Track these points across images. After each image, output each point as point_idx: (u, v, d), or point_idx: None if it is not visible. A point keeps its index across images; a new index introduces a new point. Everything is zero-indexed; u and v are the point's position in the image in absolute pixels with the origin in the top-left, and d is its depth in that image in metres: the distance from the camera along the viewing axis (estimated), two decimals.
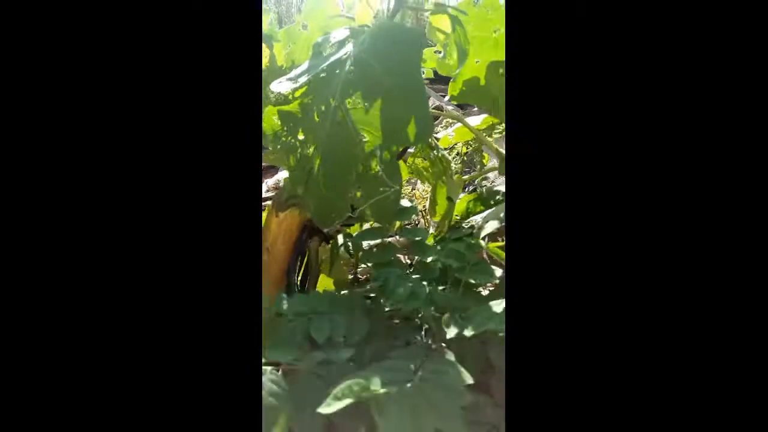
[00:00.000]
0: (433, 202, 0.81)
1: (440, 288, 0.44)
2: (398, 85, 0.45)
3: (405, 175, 0.92)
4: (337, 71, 0.47)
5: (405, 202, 0.49)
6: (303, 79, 0.49)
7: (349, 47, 0.48)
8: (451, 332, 0.35)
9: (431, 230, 0.95)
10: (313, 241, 0.61)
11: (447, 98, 0.78)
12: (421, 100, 0.46)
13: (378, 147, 0.45)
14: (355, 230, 0.62)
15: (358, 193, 0.46)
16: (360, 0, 0.57)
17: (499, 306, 0.37)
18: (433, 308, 0.38)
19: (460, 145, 1.09)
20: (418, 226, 1.18)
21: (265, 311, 0.39)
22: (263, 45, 0.67)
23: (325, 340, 0.37)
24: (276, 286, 0.58)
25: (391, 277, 0.38)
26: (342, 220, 0.46)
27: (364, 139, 0.45)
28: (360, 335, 0.37)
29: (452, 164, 0.70)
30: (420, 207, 1.18)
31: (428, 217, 0.95)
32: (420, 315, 0.40)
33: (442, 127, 1.16)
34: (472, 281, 0.41)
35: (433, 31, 0.61)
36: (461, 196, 0.79)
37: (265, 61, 0.67)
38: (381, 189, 0.45)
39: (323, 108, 0.47)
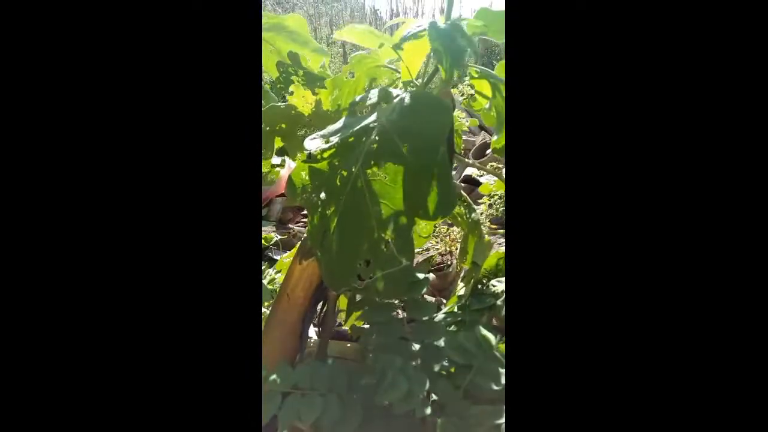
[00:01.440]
0: (464, 250, 0.78)
1: (445, 372, 0.42)
2: (421, 160, 0.44)
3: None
4: (364, 138, 0.47)
5: (419, 274, 0.48)
6: (334, 140, 0.50)
7: (379, 113, 0.48)
8: None
9: (460, 279, 0.92)
10: (332, 290, 0.61)
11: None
12: (445, 177, 0.44)
13: (392, 218, 0.44)
14: None
15: (367, 264, 0.45)
16: (400, 59, 0.57)
17: (498, 417, 0.34)
18: (430, 408, 0.36)
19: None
20: (450, 267, 1.14)
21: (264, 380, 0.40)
22: (308, 90, 0.69)
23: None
24: (292, 332, 0.59)
25: (389, 370, 0.37)
26: (347, 288, 0.45)
27: (380, 212, 0.44)
28: (352, 427, 0.36)
29: (482, 225, 0.67)
30: (453, 248, 1.15)
31: (459, 262, 0.92)
32: None
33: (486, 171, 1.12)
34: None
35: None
36: (494, 251, 0.76)
37: (310, 106, 0.69)
38: (392, 262, 0.44)
39: (345, 173, 0.47)
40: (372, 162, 0.45)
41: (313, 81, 0.79)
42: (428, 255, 1.17)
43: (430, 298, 1.12)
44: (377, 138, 0.45)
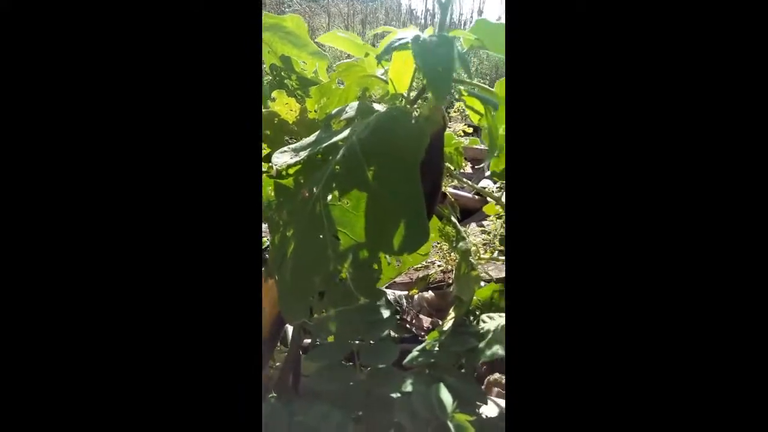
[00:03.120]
0: (457, 277, 0.72)
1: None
2: (387, 187, 0.39)
3: (436, 237, 0.84)
4: (331, 157, 0.43)
5: (384, 311, 0.42)
6: (303, 155, 0.46)
7: (352, 130, 0.43)
8: None
9: (452, 307, 0.86)
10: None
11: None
12: (415, 207, 0.39)
13: (351, 250, 0.39)
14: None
15: (321, 297, 0.41)
16: (390, 72, 0.52)
17: None
18: None
19: None
20: (451, 287, 1.08)
21: None
22: (291, 98, 0.65)
23: None
24: None
25: (322, 424, 0.32)
26: (300, 321, 0.41)
27: (338, 242, 0.40)
28: None
29: (471, 257, 0.61)
30: (452, 266, 1.09)
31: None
32: None
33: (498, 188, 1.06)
34: None
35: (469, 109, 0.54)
36: (483, 284, 0.69)
37: (294, 114, 0.65)
38: (349, 299, 0.39)
39: (307, 194, 0.42)
40: (333, 185, 0.40)
41: (306, 86, 0.75)
42: (428, 272, 1.11)
43: (426, 318, 1.07)
44: (342, 158, 0.41)
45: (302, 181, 0.46)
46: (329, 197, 0.40)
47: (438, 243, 1.03)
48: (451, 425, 0.32)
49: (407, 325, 1.04)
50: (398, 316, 1.05)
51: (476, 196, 1.54)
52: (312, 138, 0.48)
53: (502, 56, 0.48)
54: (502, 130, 0.52)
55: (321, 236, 0.40)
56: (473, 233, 1.18)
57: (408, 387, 0.40)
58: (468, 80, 0.49)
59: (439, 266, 1.11)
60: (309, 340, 0.65)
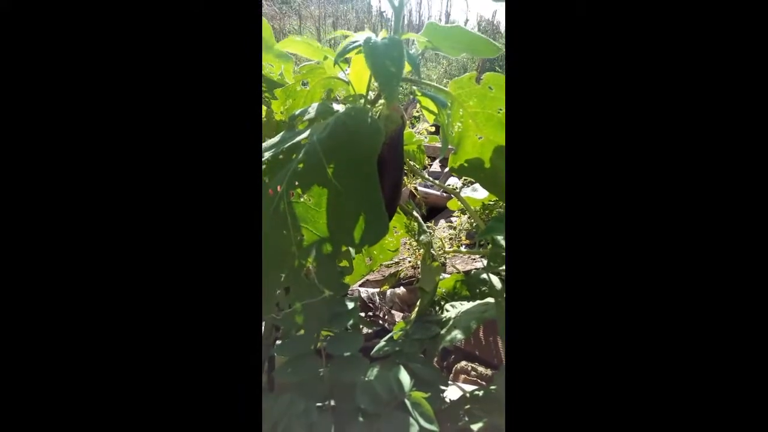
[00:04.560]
0: (423, 270, 0.75)
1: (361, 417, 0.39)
2: (347, 182, 0.41)
3: (406, 233, 0.87)
4: (293, 156, 0.44)
5: (348, 303, 0.44)
6: (267, 155, 0.47)
7: (312, 129, 0.45)
8: None
9: (418, 301, 0.89)
10: None
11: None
12: (373, 201, 0.41)
13: (314, 245, 0.41)
14: None
15: (287, 292, 0.42)
16: (351, 70, 0.54)
17: None
18: None
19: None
20: (414, 280, 1.11)
21: None
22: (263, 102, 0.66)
23: None
24: None
25: (286, 414, 0.34)
26: (268, 316, 0.42)
27: (302, 237, 0.41)
28: None
29: (433, 249, 0.64)
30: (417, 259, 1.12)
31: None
32: None
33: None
34: None
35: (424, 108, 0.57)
36: (444, 276, 0.72)
37: (262, 116, 0.66)
38: (313, 292, 0.41)
39: (271, 193, 0.44)
40: (296, 183, 0.42)
41: (272, 88, 0.76)
42: (398, 268, 1.14)
43: (398, 313, 1.09)
44: (304, 157, 0.43)
45: (267, 180, 0.47)
46: (292, 195, 0.42)
47: (408, 240, 1.06)
48: (408, 402, 0.34)
49: (380, 321, 1.06)
50: (371, 313, 1.07)
51: (444, 194, 1.59)
52: (276, 138, 0.50)
53: (454, 56, 0.52)
54: (457, 127, 0.55)
55: (285, 233, 0.42)
56: (441, 229, 1.22)
57: (373, 374, 0.42)
58: (421, 80, 0.52)
59: (409, 262, 1.14)
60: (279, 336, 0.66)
